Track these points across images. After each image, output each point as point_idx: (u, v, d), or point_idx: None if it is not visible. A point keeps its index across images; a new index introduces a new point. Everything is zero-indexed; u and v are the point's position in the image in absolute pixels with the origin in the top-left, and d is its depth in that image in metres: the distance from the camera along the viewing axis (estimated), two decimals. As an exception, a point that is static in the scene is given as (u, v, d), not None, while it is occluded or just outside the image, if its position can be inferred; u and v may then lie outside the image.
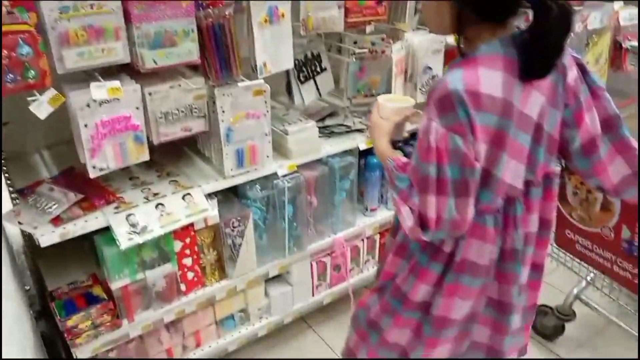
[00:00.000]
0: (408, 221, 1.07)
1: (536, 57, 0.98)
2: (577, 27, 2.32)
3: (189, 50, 1.48)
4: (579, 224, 1.46)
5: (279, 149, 1.87)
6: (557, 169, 1.17)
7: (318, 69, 2.10)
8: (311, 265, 2.07)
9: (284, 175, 1.82)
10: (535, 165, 1.10)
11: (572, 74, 1.09)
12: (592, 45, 2.49)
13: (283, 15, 1.62)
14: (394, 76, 1.96)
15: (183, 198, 1.63)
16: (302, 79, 2.04)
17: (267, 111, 1.70)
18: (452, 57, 2.18)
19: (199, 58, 1.50)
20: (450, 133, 0.97)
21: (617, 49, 2.59)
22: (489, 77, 0.98)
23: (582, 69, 1.11)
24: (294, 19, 1.70)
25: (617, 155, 1.11)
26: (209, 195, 1.68)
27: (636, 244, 1.31)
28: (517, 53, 0.99)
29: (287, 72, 1.96)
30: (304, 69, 2.04)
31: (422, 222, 1.05)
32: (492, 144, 1.01)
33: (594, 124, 1.10)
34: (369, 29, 1.98)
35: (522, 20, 1.05)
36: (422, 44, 2.03)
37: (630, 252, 1.33)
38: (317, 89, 2.11)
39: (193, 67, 1.60)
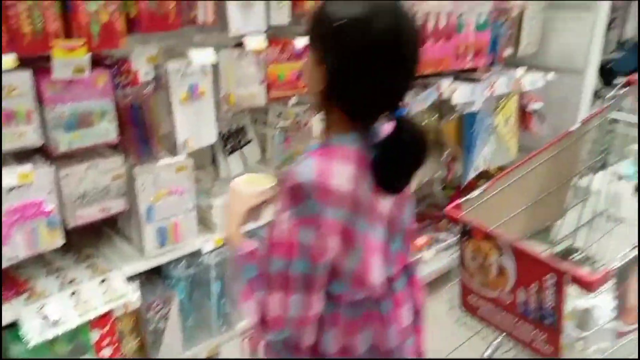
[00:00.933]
0: (253, 316, 1.00)
1: (386, 176, 0.97)
2: (486, 92, 2.50)
3: (106, 130, 1.44)
4: (480, 289, 1.51)
5: (205, 223, 1.84)
6: (415, 258, 1.16)
7: (244, 141, 2.11)
8: (242, 344, 2.00)
9: (211, 251, 1.77)
10: (393, 257, 1.08)
11: None
12: (501, 109, 2.68)
13: (203, 93, 1.63)
14: (318, 146, 2.00)
15: (101, 283, 1.54)
16: (228, 150, 2.05)
17: (191, 187, 1.67)
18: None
19: (116, 138, 1.46)
20: (300, 226, 0.92)
21: (523, 111, 2.81)
22: (340, 171, 0.94)
23: None
24: (216, 94, 1.71)
25: None
26: (130, 278, 1.60)
27: (532, 306, 1.37)
28: (371, 157, 0.96)
29: (213, 144, 1.95)
30: (230, 141, 2.04)
31: (264, 320, 0.99)
32: (344, 238, 0.96)
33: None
34: (292, 100, 2.03)
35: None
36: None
37: (527, 314, 1.39)
38: (244, 159, 2.12)
39: (112, 145, 1.57)
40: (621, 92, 2.01)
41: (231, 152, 2.06)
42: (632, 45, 3.06)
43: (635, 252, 1.33)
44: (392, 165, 0.96)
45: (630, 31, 2.75)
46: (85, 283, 1.53)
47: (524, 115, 2.80)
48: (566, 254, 2.26)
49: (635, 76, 1.97)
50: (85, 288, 1.51)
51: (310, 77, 0.99)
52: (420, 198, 3.13)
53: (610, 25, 2.69)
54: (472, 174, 2.70)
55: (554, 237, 2.47)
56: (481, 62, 2.51)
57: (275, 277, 0.96)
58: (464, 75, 2.52)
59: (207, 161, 2.09)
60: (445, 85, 2.38)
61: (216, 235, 1.81)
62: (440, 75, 2.40)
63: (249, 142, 2.13)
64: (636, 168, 1.85)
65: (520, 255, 1.38)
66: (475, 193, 1.68)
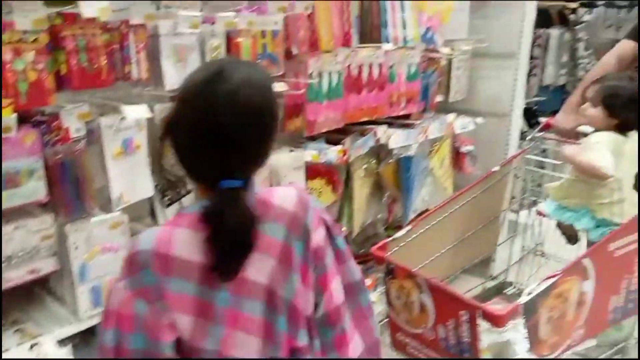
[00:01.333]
0: None
1: (217, 261, 0.88)
2: (420, 137, 2.61)
3: (34, 189, 1.40)
4: (406, 327, 1.56)
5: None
6: (307, 344, 1.00)
7: (183, 192, 2.09)
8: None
9: (149, 307, 1.72)
10: (277, 338, 0.95)
11: (319, 235, 1.00)
12: (435, 152, 2.80)
13: (139, 147, 1.62)
14: (259, 194, 2.02)
15: (31, 349, 1.46)
16: (166, 202, 2.02)
17: (127, 243, 1.63)
18: (313, 173, 2.33)
19: (46, 197, 1.42)
20: (136, 298, 0.86)
21: (457, 153, 2.95)
22: (187, 240, 0.88)
23: (329, 231, 1.03)
24: (154, 147, 1.70)
25: (355, 330, 1.04)
26: (63, 342, 1.53)
27: (451, 341, 1.42)
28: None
29: (151, 197, 1.93)
30: (168, 192, 2.02)
31: None
32: (197, 314, 0.88)
33: (339, 291, 1.02)
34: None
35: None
36: (284, 162, 2.13)
37: (448, 349, 1.44)
38: (184, 210, 2.09)
39: (42, 204, 1.52)
40: (539, 134, 2.17)
41: (170, 204, 2.04)
42: (553, 89, 3.30)
43: (544, 286, 1.40)
44: (216, 241, 0.87)
45: (549, 77, 2.97)
46: (13, 350, 1.44)
47: (457, 157, 2.93)
48: (500, 288, 2.36)
49: (552, 119, 2.13)
50: (13, 355, 1.42)
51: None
52: (363, 240, 3.18)
53: (531, 72, 2.90)
54: (411, 215, 2.78)
55: (492, 271, 2.57)
56: (414, 108, 2.63)
57: (107, 350, 0.88)
58: (399, 121, 2.63)
59: (145, 213, 2.05)
60: (382, 132, 2.47)
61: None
62: (376, 122, 2.50)
63: (189, 192, 2.11)
64: (556, 206, 1.97)
65: (437, 293, 1.44)
66: (400, 233, 1.75)
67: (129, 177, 1.62)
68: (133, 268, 0.88)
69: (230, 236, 0.87)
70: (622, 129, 1.85)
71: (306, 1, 1.89)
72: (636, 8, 4.87)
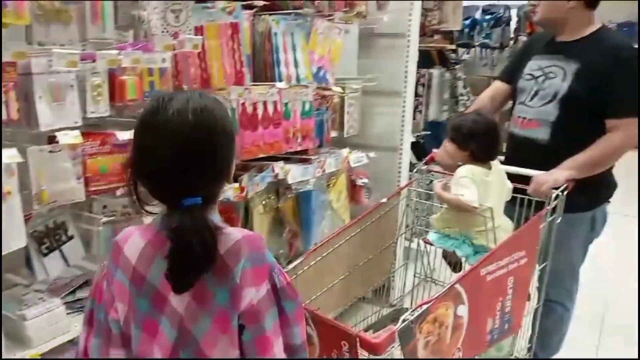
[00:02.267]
0: None
1: (170, 267, 0.95)
2: (318, 172, 2.66)
3: None
4: None
5: (18, 337, 1.61)
6: None
7: (64, 238, 1.93)
8: None
9: (24, 371, 1.55)
10: None
11: (255, 293, 0.99)
12: (332, 186, 2.86)
13: (9, 193, 1.48)
14: (150, 238, 1.92)
15: None
16: (44, 251, 1.85)
17: (-5, 300, 1.47)
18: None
19: None
20: (105, 277, 1.06)
21: (353, 186, 3.03)
22: (133, 242, 1.03)
23: (276, 293, 1.03)
24: (26, 193, 1.56)
25: None
26: None
27: None
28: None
29: (26, 245, 1.76)
30: (46, 240, 1.85)
31: None
32: (128, 306, 1.02)
33: (280, 355, 1.03)
34: (120, 191, 1.94)
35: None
36: (177, 202, 2.05)
37: None
38: (65, 258, 1.93)
39: None
40: (424, 167, 2.30)
41: (48, 252, 1.87)
42: (438, 124, 3.54)
43: (418, 312, 1.46)
44: (174, 257, 0.94)
45: (433, 113, 3.19)
46: None
47: (353, 190, 3.02)
48: (397, 315, 2.42)
49: (435, 153, 2.26)
50: None
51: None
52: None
53: (416, 109, 3.09)
54: (312, 249, 2.80)
55: (391, 299, 2.64)
56: (310, 144, 2.67)
57: (87, 312, 1.11)
58: (296, 156, 2.66)
59: (20, 263, 1.86)
60: (279, 167, 2.48)
61: (32, 350, 1.59)
62: (274, 158, 2.51)
63: (70, 238, 1.96)
64: (439, 235, 2.08)
65: (319, 324, 1.44)
66: (291, 266, 1.75)
67: (-2, 227, 1.47)
68: (111, 254, 1.06)
69: (186, 252, 0.94)
70: (477, 159, 1.96)
71: (194, 39, 1.86)
72: (507, 49, 5.44)
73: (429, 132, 3.44)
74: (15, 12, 1.36)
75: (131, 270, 1.00)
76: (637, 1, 6.62)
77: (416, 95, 3.05)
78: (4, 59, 1.36)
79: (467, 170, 1.93)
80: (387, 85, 2.95)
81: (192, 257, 0.93)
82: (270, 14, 2.39)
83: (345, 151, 2.86)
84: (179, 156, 0.97)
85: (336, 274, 2.08)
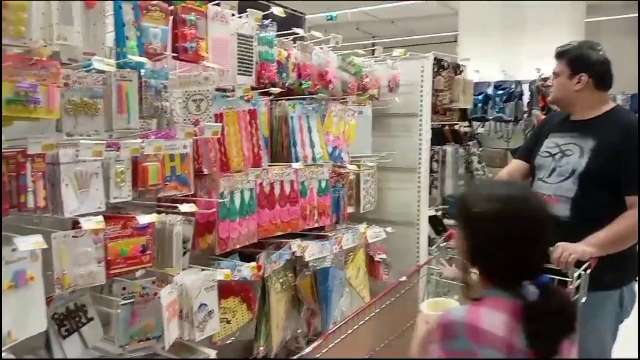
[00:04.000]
0: None
1: (535, 337, 1.09)
2: (335, 248, 2.67)
3: None
4: None
5: None
6: None
7: (84, 320, 1.95)
8: None
9: None
10: None
11: None
12: (350, 262, 2.85)
13: (32, 278, 1.53)
14: (166, 319, 1.93)
15: None
16: (63, 333, 1.87)
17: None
18: (226, 291, 2.27)
19: None
20: (447, 357, 1.11)
21: (371, 262, 3.02)
22: (491, 316, 1.11)
23: None
24: (48, 277, 1.61)
25: None
26: None
27: None
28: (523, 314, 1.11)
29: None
30: (66, 322, 1.87)
31: None
32: None
33: None
34: (139, 273, 1.97)
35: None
36: (195, 283, 2.07)
37: None
38: (84, 340, 1.94)
39: None
40: (443, 244, 2.29)
41: (68, 335, 1.88)
42: (455, 199, 3.56)
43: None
44: (540, 329, 1.07)
45: (449, 188, 3.23)
46: None
47: (372, 266, 3.00)
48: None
49: (453, 231, 2.26)
50: None
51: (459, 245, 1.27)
52: (287, 354, 3.07)
53: (432, 184, 3.13)
54: (331, 328, 2.74)
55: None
56: (327, 221, 2.71)
57: None
58: (313, 233, 2.69)
59: (39, 344, 1.88)
60: (296, 245, 2.50)
61: None
62: (291, 235, 2.54)
63: (90, 320, 1.97)
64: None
65: None
66: (309, 349, 1.73)
67: (20, 312, 1.50)
68: (447, 334, 1.11)
69: (552, 323, 1.08)
70: None
71: (214, 126, 1.96)
72: (521, 122, 5.53)
73: (446, 207, 3.46)
74: (47, 108, 1.47)
75: (500, 341, 1.08)
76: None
77: (431, 171, 3.10)
78: (34, 151, 1.46)
79: None
80: (402, 161, 3.02)
81: (557, 324, 1.10)
82: (287, 99, 2.52)
83: (362, 226, 2.88)
84: (548, 236, 1.21)
85: (358, 354, 2.03)
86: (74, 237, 1.62)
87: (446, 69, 3.16)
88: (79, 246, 1.63)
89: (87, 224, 1.57)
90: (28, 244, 1.42)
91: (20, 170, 1.46)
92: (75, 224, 1.67)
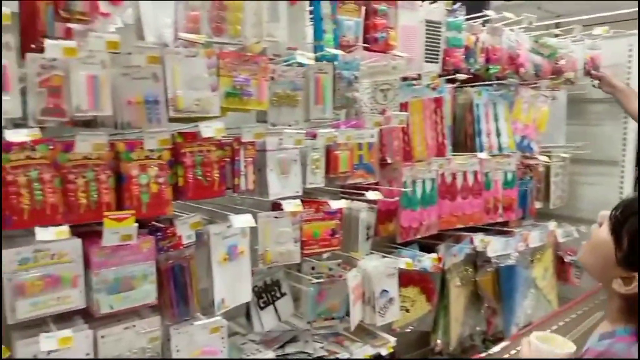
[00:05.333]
0: None
1: None
2: (520, 245, 2.50)
3: (147, 293, 1.50)
4: None
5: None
6: None
7: (278, 294, 2.12)
8: None
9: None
10: None
11: None
12: (537, 262, 2.65)
13: (242, 252, 1.70)
14: (352, 302, 2.00)
15: None
16: (261, 304, 2.05)
17: (224, 347, 1.66)
18: (406, 280, 2.28)
19: (156, 299, 1.51)
20: None
21: (561, 263, 2.77)
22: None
23: None
24: (253, 252, 1.78)
25: None
26: None
27: None
28: None
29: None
30: (264, 295, 2.06)
31: None
32: None
33: None
34: (325, 255, 2.08)
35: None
36: (377, 269, 2.11)
37: None
38: (277, 313, 2.11)
39: (151, 306, 1.61)
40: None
41: (265, 307, 2.07)
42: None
43: None
44: None
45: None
46: None
47: (561, 268, 2.75)
48: None
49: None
50: None
51: (598, 260, 1.17)
52: (460, 351, 2.99)
53: (638, 181, 2.75)
54: (513, 329, 2.59)
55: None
56: (512, 216, 2.54)
57: None
58: (496, 228, 2.55)
59: (240, 313, 2.09)
60: (478, 239, 2.40)
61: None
62: (472, 229, 2.44)
63: (283, 295, 2.14)
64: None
65: None
66: (497, 348, 1.64)
67: (231, 282, 1.69)
68: None
69: None
70: None
71: (400, 115, 1.97)
72: None
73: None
74: (258, 100, 1.62)
75: None
76: None
77: (637, 165, 2.72)
78: (247, 139, 1.61)
79: None
80: (601, 153, 2.71)
81: None
82: (472, 86, 2.42)
83: (551, 224, 2.65)
84: None
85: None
86: (275, 217, 1.76)
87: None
88: (280, 226, 1.77)
89: (288, 206, 1.69)
90: (241, 221, 1.58)
91: (235, 156, 1.63)
92: (275, 206, 1.82)
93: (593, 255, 1.20)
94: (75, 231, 1.39)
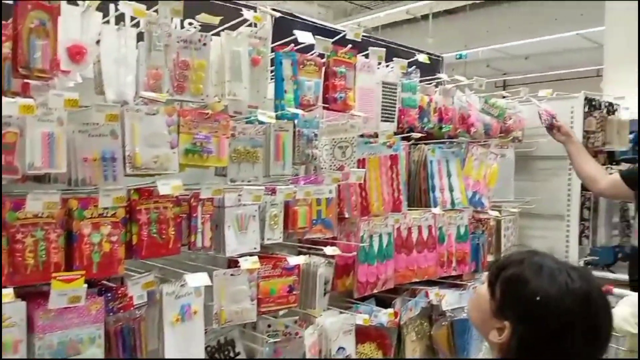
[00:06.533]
0: None
1: None
2: (473, 298, 2.54)
3: (93, 356, 1.42)
4: None
5: None
6: None
7: (231, 354, 2.06)
8: None
9: None
10: None
11: None
12: (490, 314, 2.69)
13: (196, 312, 1.65)
14: (308, 360, 1.96)
15: None
16: (215, 365, 1.99)
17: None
18: (363, 336, 2.26)
19: (102, 366, 1.44)
20: None
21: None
22: None
23: None
24: (207, 310, 1.73)
25: None
26: None
27: None
28: None
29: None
30: (217, 355, 1.99)
31: None
32: None
33: None
34: (282, 312, 2.04)
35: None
36: (334, 325, 2.09)
37: None
38: (231, 374, 2.04)
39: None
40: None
41: (218, 367, 2.00)
42: (606, 249, 3.24)
43: None
44: None
45: (601, 238, 2.95)
46: None
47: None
48: None
49: (609, 287, 2.05)
50: None
51: (479, 314, 1.20)
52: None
53: (582, 234, 2.88)
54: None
55: None
56: (465, 269, 2.60)
57: None
58: (450, 281, 2.59)
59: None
60: (433, 293, 2.43)
61: None
62: (426, 282, 2.47)
63: (237, 355, 2.08)
64: None
65: None
66: None
67: (183, 343, 1.63)
68: None
69: None
70: None
71: (358, 172, 2.01)
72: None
73: (596, 258, 3.15)
74: (218, 157, 1.62)
75: None
76: None
77: (582, 219, 2.86)
78: (205, 195, 1.60)
79: None
80: (548, 208, 2.82)
81: None
82: (425, 144, 2.50)
83: (503, 277, 2.72)
84: (600, 335, 1.12)
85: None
86: (232, 275, 1.73)
87: (598, 109, 2.93)
88: (237, 284, 1.74)
89: (245, 263, 1.67)
90: (196, 280, 1.55)
91: (192, 213, 1.61)
92: (232, 262, 1.79)
93: (475, 309, 1.26)
94: (21, 292, 1.32)
